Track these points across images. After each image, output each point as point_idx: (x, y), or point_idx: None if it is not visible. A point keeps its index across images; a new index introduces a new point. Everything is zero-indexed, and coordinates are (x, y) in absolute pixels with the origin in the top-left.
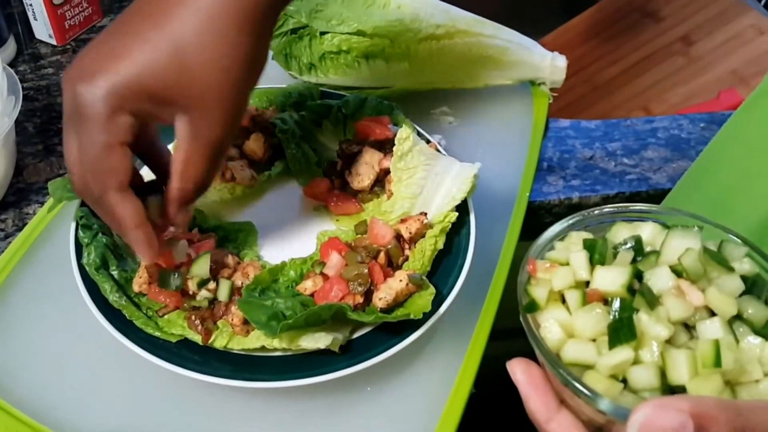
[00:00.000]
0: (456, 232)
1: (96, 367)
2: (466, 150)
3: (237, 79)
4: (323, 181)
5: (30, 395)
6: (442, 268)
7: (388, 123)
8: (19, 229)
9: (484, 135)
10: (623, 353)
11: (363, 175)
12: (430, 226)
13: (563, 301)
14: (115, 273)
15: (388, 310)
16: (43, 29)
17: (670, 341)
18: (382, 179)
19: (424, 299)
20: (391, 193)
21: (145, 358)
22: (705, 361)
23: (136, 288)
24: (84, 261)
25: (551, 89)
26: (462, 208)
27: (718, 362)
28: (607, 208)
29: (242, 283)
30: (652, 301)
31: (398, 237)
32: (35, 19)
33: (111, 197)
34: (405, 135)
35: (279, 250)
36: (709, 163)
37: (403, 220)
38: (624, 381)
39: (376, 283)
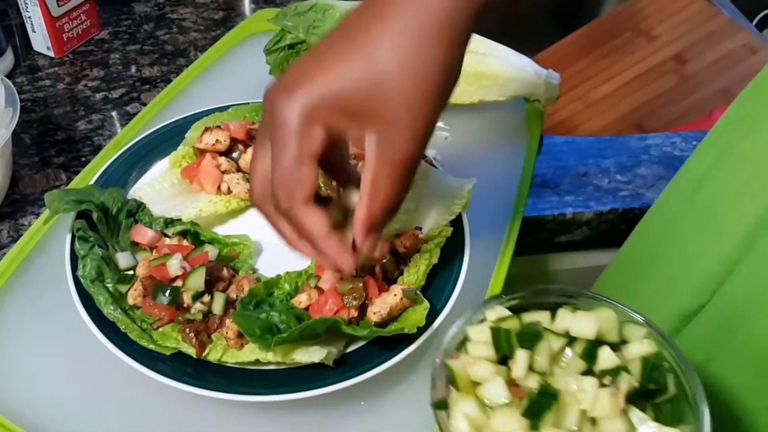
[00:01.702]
0: (450, 247)
1: (90, 380)
2: (461, 165)
3: (430, 93)
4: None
5: (24, 408)
6: (436, 282)
7: None
8: (14, 241)
9: (478, 151)
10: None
11: None
12: (424, 240)
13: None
14: (110, 285)
15: (383, 324)
16: (41, 41)
17: None
18: None
19: (418, 314)
20: None
21: (140, 370)
22: None
23: (130, 301)
24: (79, 273)
25: (545, 106)
26: (457, 223)
27: None
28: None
29: (237, 296)
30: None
31: (393, 251)
32: (33, 31)
33: (299, 210)
34: None
35: (274, 264)
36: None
37: (398, 235)
38: None
39: (371, 298)
